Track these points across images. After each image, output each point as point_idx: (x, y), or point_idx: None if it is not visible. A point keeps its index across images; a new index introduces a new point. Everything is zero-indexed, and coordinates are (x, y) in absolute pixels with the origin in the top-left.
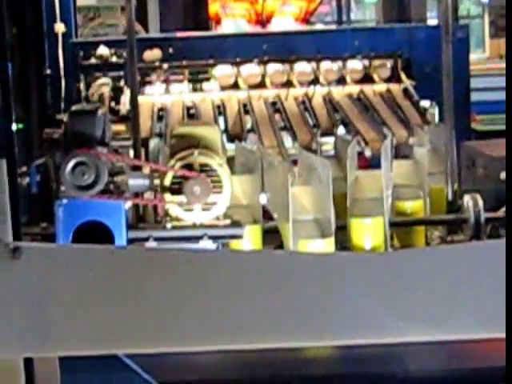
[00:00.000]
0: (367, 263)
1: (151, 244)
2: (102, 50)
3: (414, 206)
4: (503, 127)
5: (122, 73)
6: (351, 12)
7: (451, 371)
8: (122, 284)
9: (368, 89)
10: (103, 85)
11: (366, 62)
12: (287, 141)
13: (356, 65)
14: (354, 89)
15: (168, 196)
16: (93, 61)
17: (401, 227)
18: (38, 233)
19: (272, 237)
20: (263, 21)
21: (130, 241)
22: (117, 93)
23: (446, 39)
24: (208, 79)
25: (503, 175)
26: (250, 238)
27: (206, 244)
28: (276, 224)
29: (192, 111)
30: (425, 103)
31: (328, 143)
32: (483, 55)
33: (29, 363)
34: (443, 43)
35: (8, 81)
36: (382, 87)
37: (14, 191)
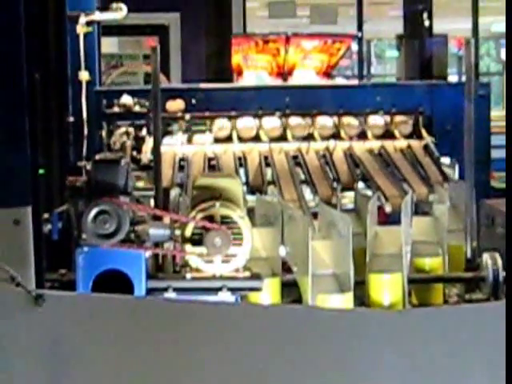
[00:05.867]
0: (385, 320)
1: (170, 294)
2: (126, 99)
3: (432, 263)
4: None
5: (143, 122)
6: (371, 66)
7: None
8: (141, 334)
9: (389, 144)
10: (125, 133)
11: (388, 118)
12: (307, 194)
13: (377, 120)
14: (375, 144)
15: (188, 247)
16: (116, 109)
17: (419, 284)
18: (56, 279)
19: (291, 290)
20: (285, 73)
21: (149, 290)
22: (138, 142)
23: (468, 98)
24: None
25: None
26: (269, 291)
27: (225, 296)
28: (295, 277)
29: (213, 162)
30: (445, 160)
31: (347, 197)
32: (502, 112)
33: None
34: (466, 102)
35: (36, 131)
36: (402, 143)
37: (39, 239)
